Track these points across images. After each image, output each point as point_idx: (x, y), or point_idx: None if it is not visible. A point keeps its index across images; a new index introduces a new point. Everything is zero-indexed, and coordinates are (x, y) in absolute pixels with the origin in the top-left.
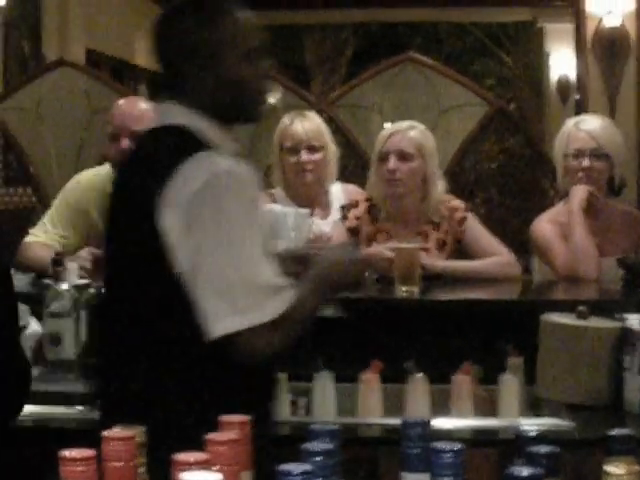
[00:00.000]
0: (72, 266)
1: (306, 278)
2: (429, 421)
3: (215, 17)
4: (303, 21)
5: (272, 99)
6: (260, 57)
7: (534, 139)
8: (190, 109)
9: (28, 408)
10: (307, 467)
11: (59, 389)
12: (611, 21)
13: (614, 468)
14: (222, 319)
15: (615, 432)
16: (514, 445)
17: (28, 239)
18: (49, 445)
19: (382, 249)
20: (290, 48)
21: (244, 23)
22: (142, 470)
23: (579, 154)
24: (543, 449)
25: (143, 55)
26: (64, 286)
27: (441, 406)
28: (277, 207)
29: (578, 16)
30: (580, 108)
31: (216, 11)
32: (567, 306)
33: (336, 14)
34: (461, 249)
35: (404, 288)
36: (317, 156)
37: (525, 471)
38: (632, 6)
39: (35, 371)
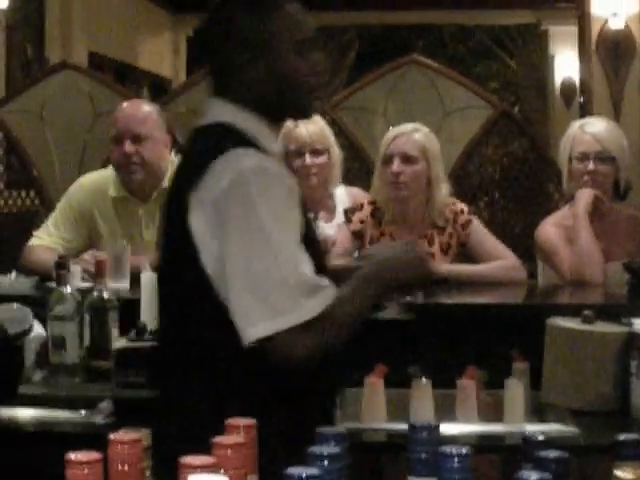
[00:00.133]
0: (75, 269)
1: (353, 277)
2: (437, 425)
3: (265, 7)
4: None
5: None
6: (311, 50)
7: (538, 142)
8: (237, 106)
9: (31, 412)
10: (314, 471)
11: (63, 393)
12: (616, 23)
13: (624, 473)
14: (255, 322)
15: (624, 437)
16: (521, 450)
17: (31, 242)
18: (53, 449)
19: None
20: None
21: (295, 14)
22: (148, 473)
23: (584, 157)
24: (552, 454)
25: (146, 58)
26: (67, 289)
27: (446, 411)
28: None
29: (582, 18)
30: (584, 111)
31: (267, 3)
32: (573, 310)
33: (339, 16)
34: (465, 253)
35: None
36: (321, 159)
37: (534, 476)
38: (637, 8)
39: (39, 374)
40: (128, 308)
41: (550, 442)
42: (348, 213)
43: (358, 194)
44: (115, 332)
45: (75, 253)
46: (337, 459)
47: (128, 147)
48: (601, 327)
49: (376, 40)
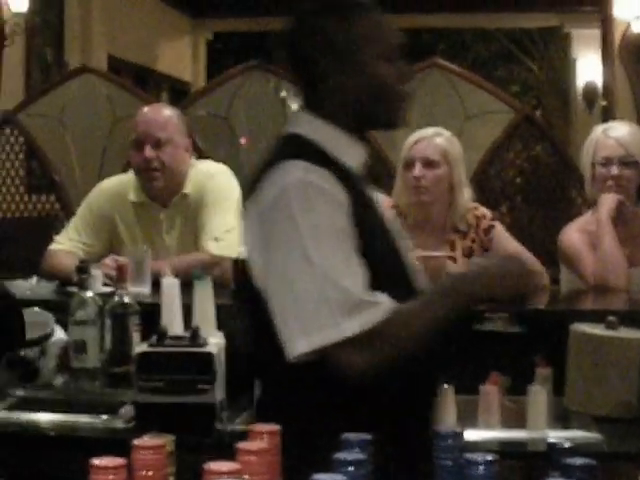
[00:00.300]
0: (96, 274)
1: (428, 290)
2: (461, 432)
3: (353, 14)
4: None
5: (294, 105)
6: (399, 57)
7: (560, 146)
8: (317, 117)
9: (52, 416)
10: (339, 477)
11: (83, 397)
12: (639, 26)
13: None
14: (295, 339)
15: None
16: (546, 457)
17: (52, 247)
18: (73, 454)
19: None
20: None
21: (382, 22)
22: (172, 479)
23: (608, 162)
24: (579, 461)
25: (165, 62)
26: (89, 294)
27: (468, 417)
28: None
29: (605, 21)
30: (607, 115)
31: (354, 8)
32: (597, 316)
33: None
34: None
35: None
36: None
37: None
38: None
39: (60, 379)
40: (149, 313)
41: (576, 449)
42: None
43: (379, 199)
44: (136, 337)
45: (96, 258)
46: (362, 465)
47: (149, 152)
48: (625, 333)
49: None
